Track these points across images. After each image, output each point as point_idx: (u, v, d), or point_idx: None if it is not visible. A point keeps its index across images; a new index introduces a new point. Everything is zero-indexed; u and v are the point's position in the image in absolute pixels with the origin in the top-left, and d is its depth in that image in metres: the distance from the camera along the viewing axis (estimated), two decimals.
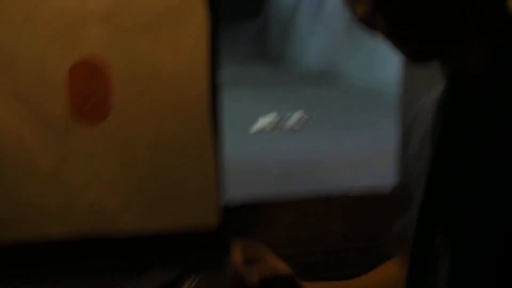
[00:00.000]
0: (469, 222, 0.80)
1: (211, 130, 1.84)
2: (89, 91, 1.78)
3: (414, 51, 0.84)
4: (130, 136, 1.81)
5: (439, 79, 0.90)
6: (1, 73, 1.73)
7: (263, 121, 7.49)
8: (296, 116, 7.59)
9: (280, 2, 16.81)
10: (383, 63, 9.96)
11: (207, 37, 1.81)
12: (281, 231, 2.11)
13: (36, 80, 1.75)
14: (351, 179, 4.99)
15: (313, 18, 13.99)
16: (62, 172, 1.79)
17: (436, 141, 0.87)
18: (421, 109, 1.01)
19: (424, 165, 0.89)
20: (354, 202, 2.26)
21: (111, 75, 1.78)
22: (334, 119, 7.74)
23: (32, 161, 1.76)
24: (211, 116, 1.84)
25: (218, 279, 1.44)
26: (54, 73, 1.77)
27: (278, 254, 1.01)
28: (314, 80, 11.73)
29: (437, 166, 0.86)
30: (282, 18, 16.85)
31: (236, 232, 1.99)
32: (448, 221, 0.83)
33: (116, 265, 1.94)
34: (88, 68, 1.77)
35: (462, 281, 0.79)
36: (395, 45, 0.87)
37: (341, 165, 5.48)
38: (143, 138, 1.83)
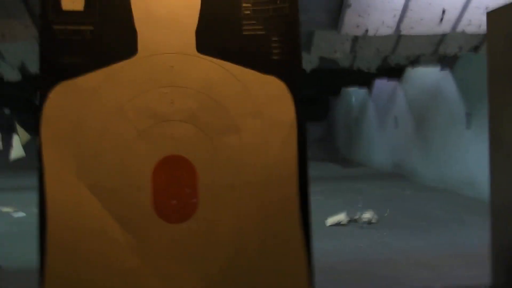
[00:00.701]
0: None
1: (300, 229, 1.83)
2: (174, 189, 1.83)
3: None
4: (214, 233, 1.80)
5: None
6: (89, 164, 1.77)
7: (336, 219, 7.48)
8: (366, 216, 7.55)
9: (346, 106, 17.11)
10: (453, 162, 9.90)
11: (295, 132, 1.87)
12: None
13: (122, 175, 1.79)
14: (426, 280, 4.89)
15: (380, 119, 14.14)
16: (143, 270, 1.77)
17: None
18: None
19: None
20: None
21: (197, 174, 1.81)
22: (405, 219, 7.64)
23: (112, 255, 1.78)
24: (301, 214, 1.83)
25: None
26: (139, 168, 1.81)
27: None
28: (384, 181, 11.71)
29: None
30: (348, 119, 17.09)
31: None
32: None
33: None
34: (173, 166, 1.80)
35: None
36: None
37: (415, 265, 5.37)
38: (227, 233, 1.81)
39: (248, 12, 1.82)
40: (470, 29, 5.75)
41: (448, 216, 7.81)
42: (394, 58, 8.42)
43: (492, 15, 2.99)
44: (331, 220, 7.53)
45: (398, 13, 5.42)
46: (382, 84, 13.43)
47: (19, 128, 9.36)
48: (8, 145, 9.61)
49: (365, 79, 12.60)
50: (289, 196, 1.85)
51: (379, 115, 14.20)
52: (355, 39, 6.19)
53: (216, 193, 1.80)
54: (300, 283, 1.82)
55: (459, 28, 5.72)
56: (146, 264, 1.75)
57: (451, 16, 5.62)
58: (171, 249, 1.77)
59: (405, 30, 5.60)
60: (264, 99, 1.84)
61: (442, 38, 6.46)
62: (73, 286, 1.75)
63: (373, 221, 7.54)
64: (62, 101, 1.79)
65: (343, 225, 7.45)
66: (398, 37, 6.24)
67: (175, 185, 1.81)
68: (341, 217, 7.60)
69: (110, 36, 1.74)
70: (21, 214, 9.08)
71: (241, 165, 1.83)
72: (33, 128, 4.48)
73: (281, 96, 1.85)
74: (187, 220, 1.80)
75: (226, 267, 1.79)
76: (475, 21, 5.66)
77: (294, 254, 1.82)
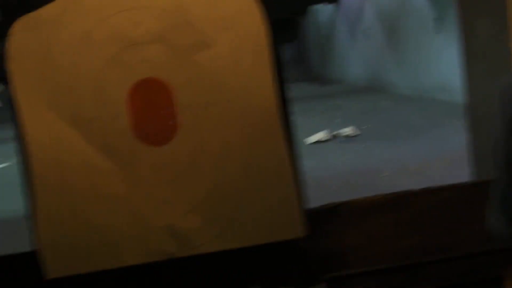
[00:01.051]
0: None
1: (284, 140, 1.80)
2: (152, 112, 1.77)
3: None
4: (198, 154, 1.76)
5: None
6: (63, 96, 1.74)
7: (316, 136, 7.53)
8: (346, 131, 7.61)
9: (315, 24, 16.91)
10: (426, 69, 9.91)
11: (267, 45, 1.81)
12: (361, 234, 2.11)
13: (97, 103, 1.75)
14: (412, 184, 4.97)
15: (350, 34, 14.03)
16: (133, 197, 1.75)
17: None
18: None
19: None
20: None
21: (173, 94, 1.75)
22: (385, 130, 7.71)
23: (101, 186, 1.75)
24: (283, 127, 1.80)
25: None
26: (114, 95, 1.77)
27: None
28: (360, 95, 11.73)
29: None
30: (319, 37, 16.92)
31: (321, 241, 1.99)
32: None
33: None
34: (148, 89, 1.76)
35: None
36: None
37: (400, 172, 5.45)
38: (211, 155, 1.78)
39: None
40: None
41: (426, 122, 7.89)
42: None
43: None
44: (311, 139, 7.58)
45: None
46: None
47: None
48: None
49: None
50: (268, 111, 1.79)
51: (349, 29, 14.08)
52: None
53: (195, 113, 1.78)
54: (289, 203, 1.80)
55: None
56: (134, 190, 1.75)
57: None
58: (157, 173, 1.76)
59: None
60: (233, 13, 1.80)
61: None
62: (67, 223, 1.75)
63: (354, 134, 7.60)
64: (27, 35, 1.74)
65: (324, 141, 7.51)
66: None
67: (152, 109, 1.77)
68: (321, 134, 7.65)
69: None
70: (3, 164, 9.01)
71: (216, 83, 1.79)
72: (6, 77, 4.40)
73: (250, 10, 1.81)
74: (169, 142, 1.77)
75: (212, 189, 1.78)
76: None
77: (279, 172, 1.79)
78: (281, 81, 1.82)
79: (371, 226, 2.11)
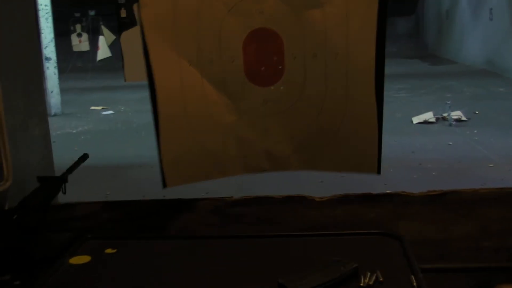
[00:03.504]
0: None
1: (374, 92, 1.99)
2: (263, 57, 2.01)
3: None
4: (298, 98, 2.03)
5: None
6: (188, 40, 1.98)
7: (423, 116, 7.26)
8: (456, 114, 7.26)
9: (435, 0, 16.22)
10: None
11: (376, 14, 1.94)
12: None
13: (217, 47, 2.01)
14: None
15: (473, 12, 13.34)
16: (240, 125, 2.07)
17: None
18: None
19: None
20: None
21: (283, 43, 1.99)
22: (497, 118, 7.31)
23: (215, 116, 2.05)
24: (376, 82, 1.98)
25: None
26: (232, 41, 2.00)
27: None
28: (474, 77, 11.17)
29: None
30: (438, 13, 16.25)
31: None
32: None
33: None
34: (262, 37, 1.99)
35: None
36: None
37: (507, 163, 5.14)
38: (311, 100, 2.03)
39: None
40: None
41: None
42: None
43: None
44: (418, 118, 7.31)
45: None
46: None
47: (105, 29, 9.46)
48: (94, 46, 9.80)
49: None
50: (367, 71, 1.98)
51: (473, 7, 13.38)
52: None
53: (301, 62, 2.00)
54: (371, 144, 2.02)
55: None
56: (242, 120, 2.05)
57: None
58: (261, 108, 2.03)
59: None
60: None
61: None
62: (185, 145, 2.04)
63: (463, 119, 7.26)
64: None
65: (431, 122, 7.22)
66: None
67: (263, 54, 2.01)
68: (429, 115, 7.36)
69: None
70: (109, 111, 9.39)
71: (324, 38, 1.99)
72: (118, 29, 4.52)
73: None
74: (274, 84, 2.03)
75: (307, 129, 2.04)
76: None
77: (368, 119, 2.00)
78: (382, 47, 1.98)
79: (479, 220, 2.00)
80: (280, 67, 2.03)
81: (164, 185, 2.03)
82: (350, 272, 1.41)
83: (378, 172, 2.03)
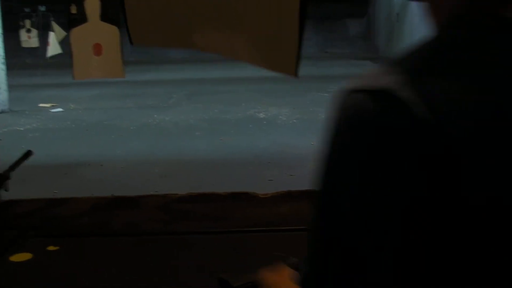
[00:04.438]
0: None
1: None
2: None
3: None
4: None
5: None
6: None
7: None
8: None
9: (387, 2, 16.49)
10: None
11: None
12: None
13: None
14: None
15: (421, 16, 13.60)
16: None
17: None
18: None
19: None
20: None
21: None
22: None
23: None
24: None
25: None
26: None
27: None
28: None
29: None
30: (389, 17, 16.53)
31: None
32: None
33: None
34: None
35: None
36: None
37: None
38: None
39: None
40: None
41: None
42: None
43: None
44: None
45: None
46: None
47: (55, 25, 9.28)
48: (44, 42, 9.60)
49: None
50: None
51: (422, 10, 13.68)
52: None
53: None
54: (291, 48, 1.98)
55: None
56: None
57: None
58: None
59: None
60: None
61: None
62: (152, 14, 2.12)
63: None
64: None
65: None
66: None
67: None
68: None
69: None
70: (58, 109, 9.23)
71: None
72: (68, 25, 4.44)
73: None
74: None
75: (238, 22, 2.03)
76: None
77: (290, 27, 1.98)
78: None
79: None
80: None
81: (131, 41, 2.23)
82: (293, 267, 1.43)
83: (296, 74, 2.02)
